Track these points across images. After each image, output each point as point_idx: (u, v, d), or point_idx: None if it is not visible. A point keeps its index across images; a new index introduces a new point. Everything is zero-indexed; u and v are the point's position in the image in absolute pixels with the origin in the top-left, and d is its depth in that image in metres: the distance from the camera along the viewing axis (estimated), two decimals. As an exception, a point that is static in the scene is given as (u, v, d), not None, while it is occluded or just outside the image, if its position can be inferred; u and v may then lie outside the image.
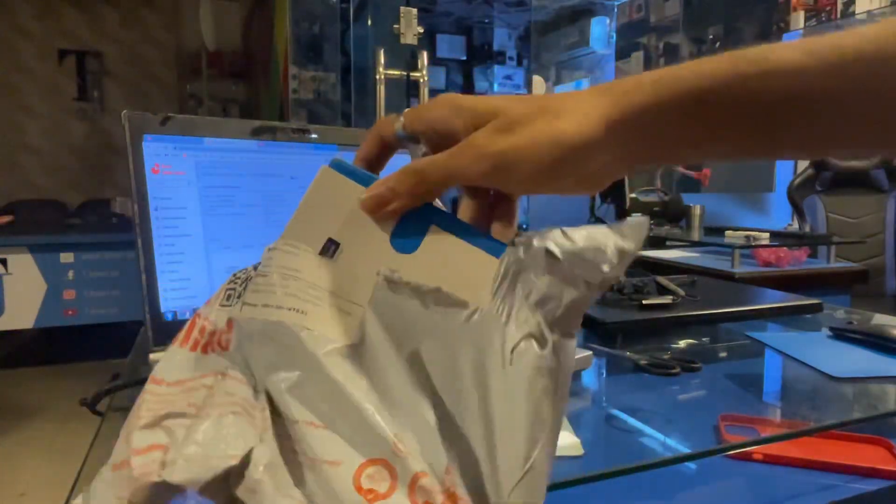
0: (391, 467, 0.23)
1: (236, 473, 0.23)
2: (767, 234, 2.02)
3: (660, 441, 0.52)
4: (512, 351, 0.23)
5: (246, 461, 0.23)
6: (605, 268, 0.24)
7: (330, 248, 0.28)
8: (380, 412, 0.24)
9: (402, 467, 0.23)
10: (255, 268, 0.29)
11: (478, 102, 0.30)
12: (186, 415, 0.25)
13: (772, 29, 3.13)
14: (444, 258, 0.26)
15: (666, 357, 0.69)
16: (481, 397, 0.23)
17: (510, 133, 0.28)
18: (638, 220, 0.26)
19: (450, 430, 0.24)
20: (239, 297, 0.28)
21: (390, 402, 0.24)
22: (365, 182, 0.29)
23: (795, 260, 1.99)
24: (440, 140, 0.30)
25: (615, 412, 0.58)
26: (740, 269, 1.89)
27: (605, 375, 0.70)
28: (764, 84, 0.27)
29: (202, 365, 0.27)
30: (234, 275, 0.29)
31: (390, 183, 0.29)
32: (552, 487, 0.42)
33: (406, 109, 0.32)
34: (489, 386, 0.23)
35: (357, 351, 0.25)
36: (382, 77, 1.72)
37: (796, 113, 0.27)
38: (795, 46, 0.27)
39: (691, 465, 0.53)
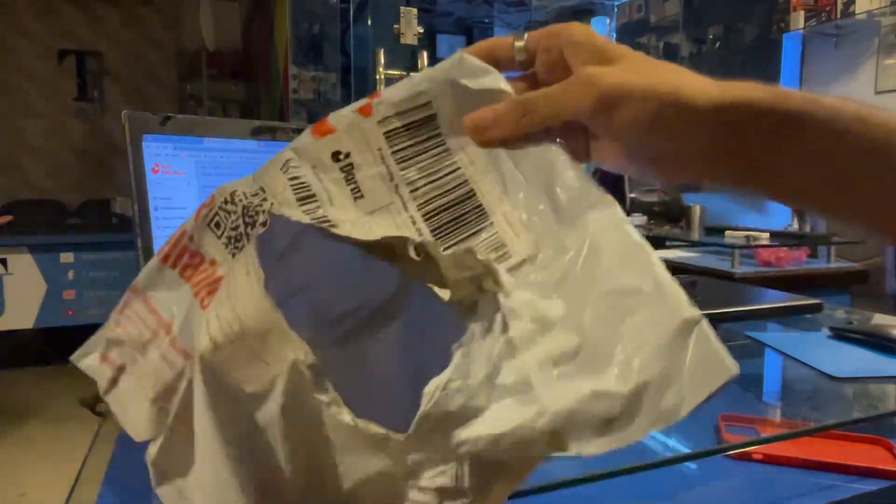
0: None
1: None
2: (767, 234, 2.02)
3: (660, 441, 0.52)
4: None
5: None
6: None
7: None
8: None
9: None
10: (245, 210, 0.27)
11: (605, 42, 0.29)
12: (133, 359, 0.29)
13: (772, 29, 3.13)
14: None
15: (666, 357, 0.69)
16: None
17: (630, 73, 0.27)
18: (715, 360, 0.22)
19: None
20: (228, 240, 0.27)
21: None
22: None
23: (795, 260, 1.99)
24: (552, 68, 0.30)
25: (615, 412, 0.58)
26: (740, 269, 1.89)
27: (605, 375, 0.70)
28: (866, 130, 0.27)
29: (159, 283, 0.29)
30: (225, 197, 0.28)
31: (498, 110, 0.28)
32: (552, 487, 0.42)
33: (530, 31, 0.31)
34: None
35: None
36: (382, 77, 1.72)
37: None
38: None
39: (691, 465, 0.53)
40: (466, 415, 0.21)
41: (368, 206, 0.28)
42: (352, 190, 0.28)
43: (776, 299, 0.93)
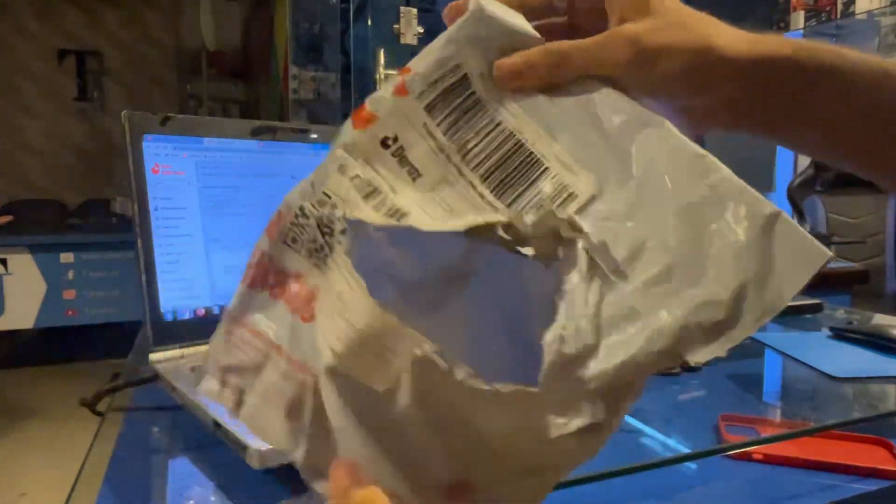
0: None
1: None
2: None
3: (660, 441, 0.52)
4: (553, 440, 0.23)
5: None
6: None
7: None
8: None
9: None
10: (319, 223, 0.27)
11: None
12: (253, 376, 0.28)
13: (772, 29, 3.13)
14: None
15: (666, 357, 0.69)
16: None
17: (666, 29, 0.28)
18: (809, 245, 0.23)
19: None
20: (309, 253, 0.28)
21: None
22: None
23: (795, 260, 1.99)
24: (587, 18, 0.30)
25: (615, 412, 0.58)
26: (740, 269, 1.89)
27: (605, 375, 0.70)
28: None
29: (252, 306, 0.29)
30: (294, 213, 0.28)
31: (530, 57, 0.28)
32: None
33: None
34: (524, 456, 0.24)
35: None
36: (382, 77, 1.72)
37: None
38: None
39: (691, 465, 0.53)
40: (587, 355, 0.22)
41: (427, 183, 0.28)
42: (408, 172, 0.28)
43: (776, 299, 0.92)
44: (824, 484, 0.49)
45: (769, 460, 0.53)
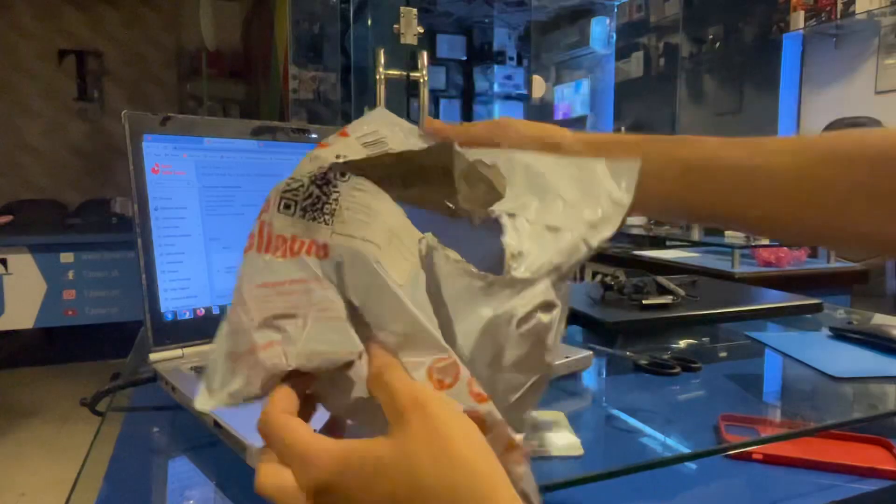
0: (456, 365, 0.28)
1: (345, 366, 0.30)
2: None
3: (660, 441, 0.52)
4: (520, 321, 0.29)
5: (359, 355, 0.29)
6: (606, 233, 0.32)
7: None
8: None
9: (462, 367, 0.28)
10: (313, 180, 0.32)
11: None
12: (295, 315, 0.30)
13: (772, 29, 3.13)
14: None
15: (666, 357, 0.69)
16: (495, 353, 0.29)
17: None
18: (627, 164, 0.34)
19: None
20: (303, 210, 0.32)
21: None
22: None
23: (795, 260, 1.99)
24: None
25: (615, 412, 0.58)
26: (740, 269, 1.89)
27: (605, 375, 0.70)
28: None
29: (289, 269, 0.31)
30: (287, 184, 0.32)
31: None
32: (552, 487, 0.42)
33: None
34: (501, 344, 0.29)
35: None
36: (382, 77, 1.72)
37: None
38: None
39: (691, 465, 0.53)
40: (531, 256, 0.30)
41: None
42: (367, 144, 0.35)
43: (776, 299, 0.93)
44: (824, 484, 0.49)
45: (769, 460, 0.53)
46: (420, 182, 0.35)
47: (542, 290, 0.29)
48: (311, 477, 0.26)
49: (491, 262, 0.30)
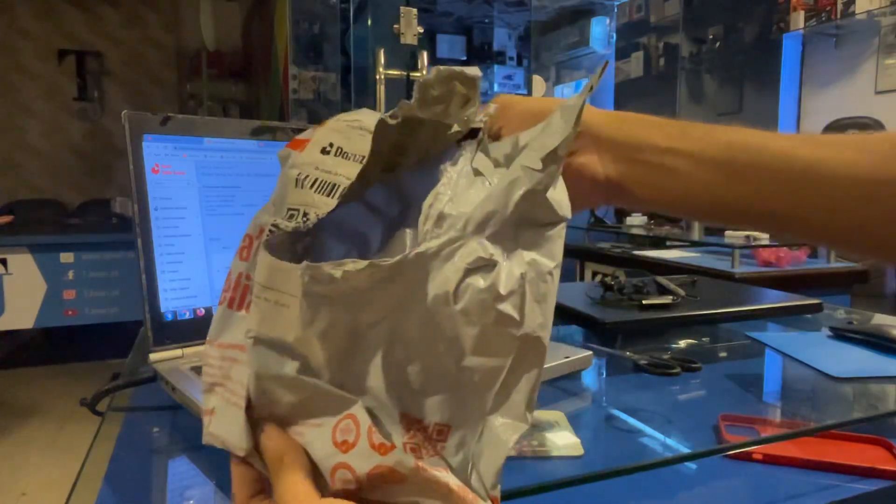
0: (355, 420, 0.24)
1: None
2: (768, 234, 2.02)
3: (660, 441, 0.52)
4: (455, 292, 0.23)
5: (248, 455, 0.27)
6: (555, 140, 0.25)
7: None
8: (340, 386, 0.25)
9: (361, 419, 0.24)
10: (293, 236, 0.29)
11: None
12: (222, 385, 0.29)
13: (772, 29, 3.13)
14: None
15: (666, 357, 0.69)
16: (449, 342, 0.24)
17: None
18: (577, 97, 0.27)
19: (402, 386, 0.25)
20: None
21: (348, 373, 0.26)
22: None
23: (795, 260, 1.99)
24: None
25: (615, 412, 0.58)
26: (740, 269, 1.89)
27: (605, 375, 0.70)
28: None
29: (230, 324, 0.29)
30: (272, 231, 0.29)
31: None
32: (552, 487, 0.42)
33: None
34: (450, 330, 0.24)
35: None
36: (382, 77, 1.72)
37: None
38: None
39: (691, 465, 0.53)
40: (456, 214, 0.26)
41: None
42: (352, 159, 0.30)
43: (776, 299, 0.93)
44: (824, 484, 0.49)
45: (769, 460, 0.53)
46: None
47: (470, 250, 0.24)
48: None
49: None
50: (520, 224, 0.25)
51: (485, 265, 0.24)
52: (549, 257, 0.25)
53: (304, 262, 0.24)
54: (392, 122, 0.30)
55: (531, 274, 0.25)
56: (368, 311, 0.25)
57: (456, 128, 0.32)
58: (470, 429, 0.25)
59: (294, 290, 0.25)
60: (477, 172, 0.29)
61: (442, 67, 0.30)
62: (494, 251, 0.24)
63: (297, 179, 0.29)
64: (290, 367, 0.25)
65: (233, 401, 0.28)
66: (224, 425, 0.28)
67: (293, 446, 0.25)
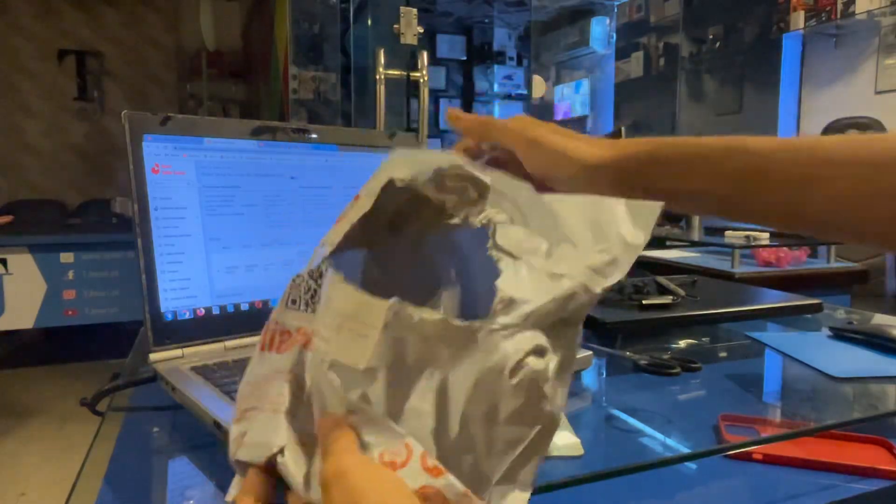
0: (408, 446, 0.27)
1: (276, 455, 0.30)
2: (767, 234, 2.02)
3: (660, 441, 0.52)
4: (512, 370, 0.27)
5: (280, 451, 0.30)
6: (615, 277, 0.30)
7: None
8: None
9: (414, 444, 0.27)
10: (311, 274, 0.34)
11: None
12: (256, 408, 0.32)
13: (772, 29, 3.13)
14: None
15: (666, 357, 0.69)
16: (489, 406, 0.28)
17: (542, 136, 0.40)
18: (648, 205, 0.31)
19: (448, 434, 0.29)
20: (305, 304, 0.34)
21: (399, 409, 0.29)
22: None
23: (795, 260, 1.99)
24: (504, 155, 0.43)
25: (615, 412, 0.58)
26: (740, 269, 1.89)
27: (605, 375, 0.70)
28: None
29: (279, 362, 0.33)
30: (294, 281, 0.35)
31: (469, 119, 0.43)
32: (552, 487, 0.42)
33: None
34: (496, 396, 0.28)
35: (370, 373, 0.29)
36: (382, 77, 1.72)
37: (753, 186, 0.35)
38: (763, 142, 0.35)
39: (691, 465, 0.53)
40: (521, 302, 0.29)
41: None
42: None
43: (776, 299, 0.93)
44: (824, 484, 0.50)
45: (769, 460, 0.53)
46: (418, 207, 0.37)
47: (531, 337, 0.28)
48: None
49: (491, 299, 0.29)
50: (567, 324, 0.30)
51: (540, 351, 0.28)
52: (574, 349, 0.31)
53: (395, 298, 0.28)
54: (400, 184, 0.33)
55: (564, 363, 0.30)
56: (430, 359, 0.28)
57: (456, 220, 0.35)
58: (477, 490, 0.28)
59: (376, 323, 0.28)
60: (553, 275, 0.31)
61: (459, 163, 0.33)
62: (548, 343, 0.29)
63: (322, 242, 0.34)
64: (355, 394, 0.28)
65: (269, 409, 0.31)
66: (258, 435, 0.31)
67: (348, 427, 0.28)
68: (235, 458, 0.31)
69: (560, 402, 0.30)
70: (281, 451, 0.30)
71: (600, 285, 0.30)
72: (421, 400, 0.28)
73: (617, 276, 0.30)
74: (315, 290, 0.33)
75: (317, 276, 0.33)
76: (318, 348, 0.30)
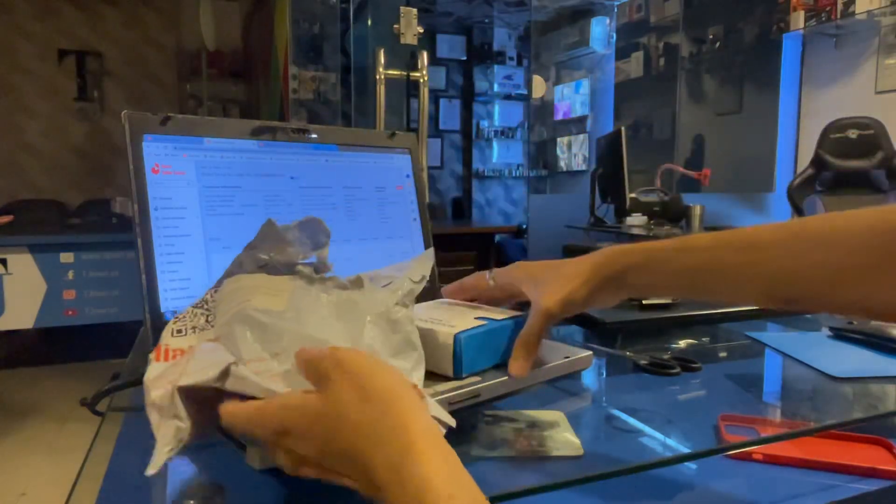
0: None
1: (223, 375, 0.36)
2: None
3: (660, 441, 0.52)
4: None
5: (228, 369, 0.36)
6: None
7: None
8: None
9: None
10: (197, 306, 0.47)
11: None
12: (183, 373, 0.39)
13: (772, 29, 3.13)
14: None
15: (666, 357, 0.69)
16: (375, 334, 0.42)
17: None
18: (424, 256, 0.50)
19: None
20: (193, 329, 0.45)
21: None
22: None
23: (795, 260, 1.98)
24: (502, 294, 0.58)
25: (615, 412, 0.58)
26: (740, 269, 1.89)
27: (605, 375, 0.70)
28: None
29: (164, 366, 0.43)
30: (174, 322, 0.46)
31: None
32: (552, 487, 0.42)
33: (496, 269, 0.57)
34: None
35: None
36: (382, 77, 1.72)
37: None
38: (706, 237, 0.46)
39: (691, 465, 0.53)
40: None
41: None
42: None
43: (776, 299, 0.92)
44: (824, 484, 0.50)
45: (769, 460, 0.53)
46: None
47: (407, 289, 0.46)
48: (270, 425, 0.34)
49: None
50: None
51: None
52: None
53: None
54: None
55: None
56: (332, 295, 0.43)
57: None
58: None
59: (287, 287, 0.44)
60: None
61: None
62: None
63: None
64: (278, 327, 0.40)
65: (209, 349, 0.40)
66: (201, 362, 0.38)
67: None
68: (179, 384, 0.36)
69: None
70: (234, 363, 0.35)
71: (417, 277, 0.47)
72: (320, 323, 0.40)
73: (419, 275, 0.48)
74: (208, 313, 0.45)
75: (203, 305, 0.46)
76: (243, 306, 0.40)
